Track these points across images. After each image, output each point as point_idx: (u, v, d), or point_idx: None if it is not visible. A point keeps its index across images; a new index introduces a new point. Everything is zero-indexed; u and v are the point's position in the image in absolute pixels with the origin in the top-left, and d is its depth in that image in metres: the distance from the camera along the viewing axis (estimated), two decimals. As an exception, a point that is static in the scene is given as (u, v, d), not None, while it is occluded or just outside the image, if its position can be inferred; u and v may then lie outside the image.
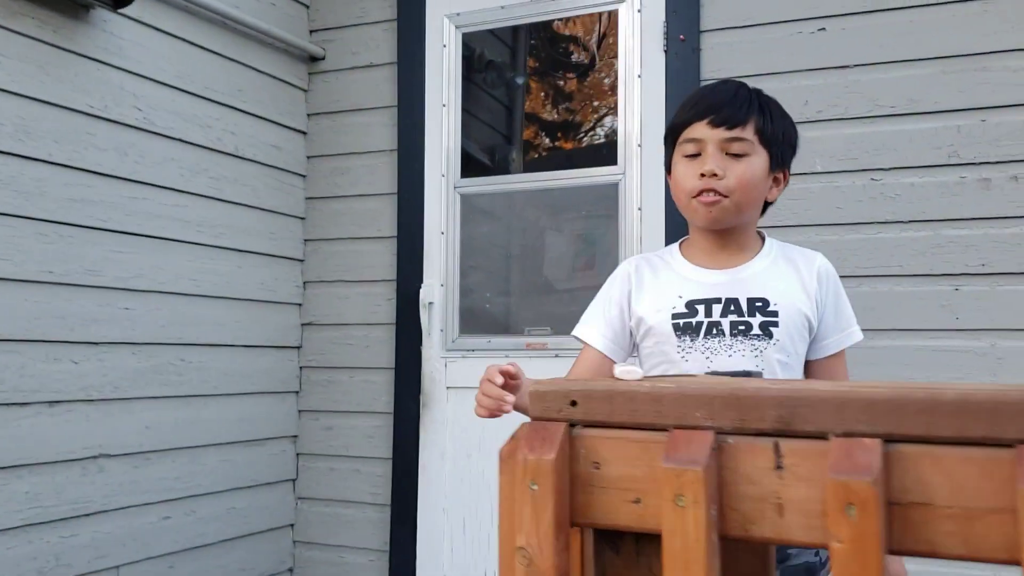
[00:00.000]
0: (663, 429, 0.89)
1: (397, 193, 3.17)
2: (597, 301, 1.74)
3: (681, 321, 1.61)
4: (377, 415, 3.16)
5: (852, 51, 2.67)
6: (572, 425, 0.93)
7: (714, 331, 1.59)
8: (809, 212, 2.68)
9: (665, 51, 2.84)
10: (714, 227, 1.62)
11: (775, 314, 1.60)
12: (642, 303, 1.66)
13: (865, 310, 2.56)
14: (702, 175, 1.56)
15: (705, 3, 2.83)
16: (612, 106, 2.93)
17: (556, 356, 2.89)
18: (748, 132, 1.58)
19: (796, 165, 2.69)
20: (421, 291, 3.06)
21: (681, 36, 2.81)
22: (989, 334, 2.49)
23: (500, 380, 1.47)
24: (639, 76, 2.87)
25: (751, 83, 2.74)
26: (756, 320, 1.59)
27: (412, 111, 3.15)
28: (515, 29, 3.19)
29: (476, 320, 3.08)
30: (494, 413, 1.48)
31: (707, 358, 1.58)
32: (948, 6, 2.59)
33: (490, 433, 2.97)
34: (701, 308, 1.61)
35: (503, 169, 3.23)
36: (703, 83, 2.79)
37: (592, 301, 1.75)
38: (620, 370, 0.95)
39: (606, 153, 2.94)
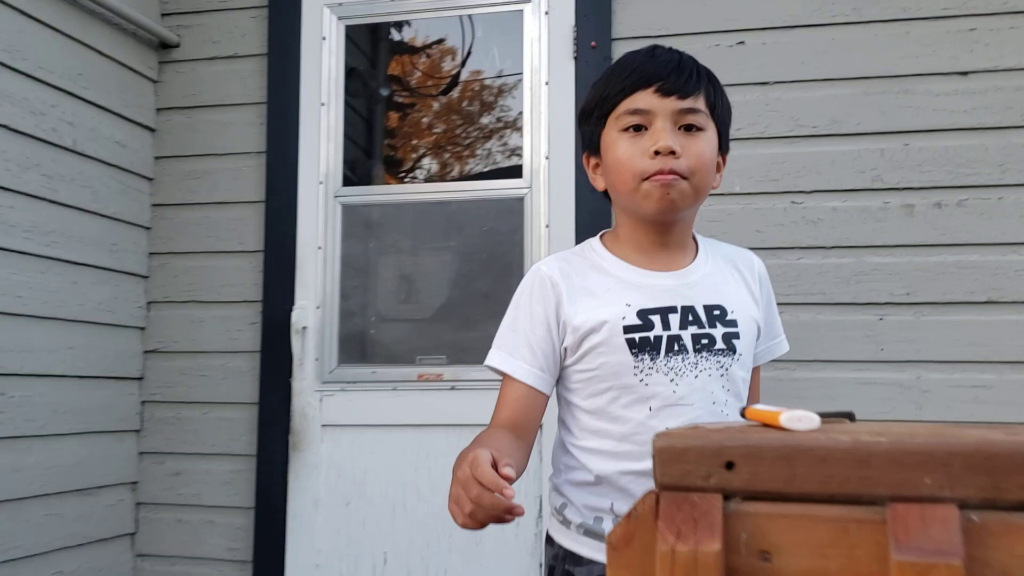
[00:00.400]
0: (871, 502, 0.62)
1: (265, 201, 2.77)
2: (515, 320, 1.40)
3: (636, 336, 1.32)
4: (237, 457, 2.72)
5: (772, 67, 2.54)
6: (726, 497, 0.65)
7: (676, 347, 1.32)
8: (727, 235, 2.50)
9: (575, 58, 2.61)
10: (668, 215, 1.36)
11: (735, 324, 1.37)
12: (579, 315, 1.35)
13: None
14: (656, 152, 1.29)
15: (617, 9, 2.63)
16: (518, 114, 2.67)
17: (452, 389, 2.57)
18: (700, 103, 1.34)
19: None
20: (293, 314, 2.68)
21: (592, 43, 2.60)
22: (914, 366, 2.38)
23: (490, 471, 1.02)
24: (546, 83, 2.63)
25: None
26: (718, 332, 1.35)
27: (285, 109, 2.77)
28: (374, 30, 2.88)
29: (359, 348, 2.72)
30: (485, 522, 1.03)
31: (672, 380, 1.31)
32: (870, 25, 2.50)
33: (373, 477, 2.61)
34: (656, 319, 1.33)
35: (392, 178, 2.90)
36: (615, 93, 2.59)
37: (505, 320, 1.42)
38: (787, 416, 0.67)
39: (510, 165, 2.67)
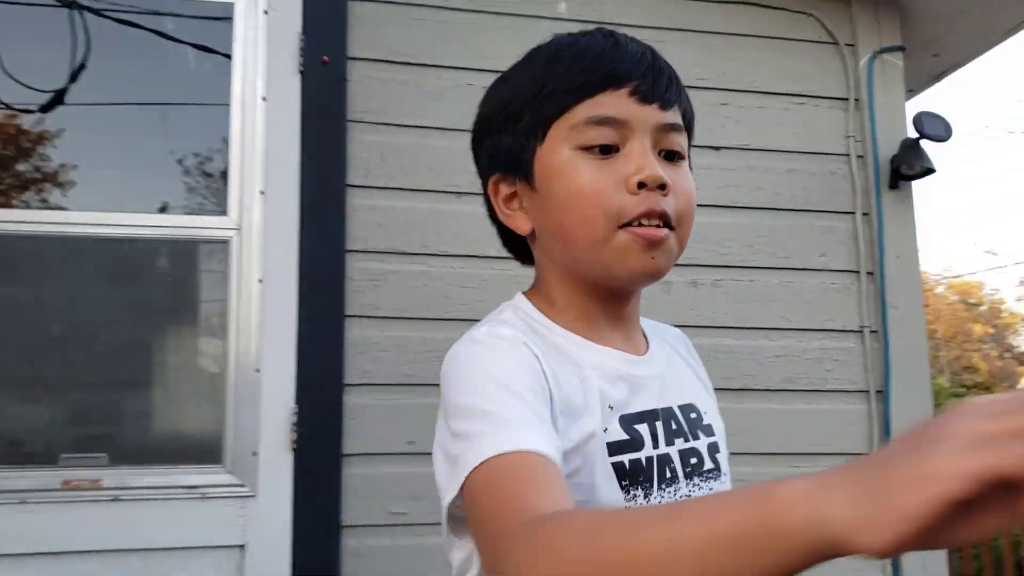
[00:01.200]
0: None
1: None
2: (489, 394, 0.78)
3: (626, 459, 0.85)
4: None
5: (529, 117, 2.24)
6: None
7: (667, 473, 0.89)
8: (481, 304, 2.13)
9: (302, 72, 2.09)
10: (642, 284, 0.93)
11: (711, 430, 0.97)
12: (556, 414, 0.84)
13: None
14: (641, 184, 0.86)
15: (354, 24, 2.17)
16: (223, 134, 2.05)
17: (115, 500, 1.83)
18: (679, 119, 0.93)
19: (468, 247, 2.17)
20: None
21: (324, 57, 2.10)
22: (676, 458, 2.18)
23: None
24: (264, 99, 2.06)
25: (410, 138, 2.18)
26: (702, 444, 0.94)
27: None
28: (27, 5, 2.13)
29: (-35, 443, 1.86)
30: None
31: None
32: (627, 86, 2.32)
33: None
34: (644, 431, 0.88)
35: (27, 201, 2.09)
36: (349, 122, 2.11)
37: (464, 410, 0.79)
38: None
39: (212, 198, 2.04)
